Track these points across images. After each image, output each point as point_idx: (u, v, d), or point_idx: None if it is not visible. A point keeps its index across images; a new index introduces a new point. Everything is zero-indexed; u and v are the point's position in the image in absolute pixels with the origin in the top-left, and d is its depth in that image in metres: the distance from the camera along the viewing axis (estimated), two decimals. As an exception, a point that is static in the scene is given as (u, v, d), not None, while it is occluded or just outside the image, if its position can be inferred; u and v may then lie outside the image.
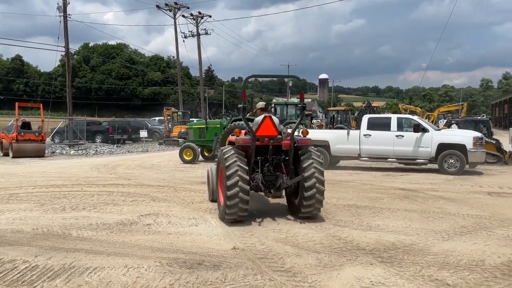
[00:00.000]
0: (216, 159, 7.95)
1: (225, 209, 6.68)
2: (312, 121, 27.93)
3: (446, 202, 8.91)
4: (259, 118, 7.41)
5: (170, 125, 31.56)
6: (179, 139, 25.96)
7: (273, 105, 26.56)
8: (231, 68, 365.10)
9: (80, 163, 17.91)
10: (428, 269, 4.90)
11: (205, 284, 4.47)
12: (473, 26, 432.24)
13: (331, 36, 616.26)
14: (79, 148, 25.59)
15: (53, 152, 23.74)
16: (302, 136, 7.32)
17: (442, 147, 13.69)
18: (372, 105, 39.12)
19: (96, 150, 25.11)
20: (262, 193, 7.63)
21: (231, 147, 7.10)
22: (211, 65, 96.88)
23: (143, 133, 29.58)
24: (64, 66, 43.18)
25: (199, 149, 17.53)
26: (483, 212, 7.96)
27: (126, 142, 32.60)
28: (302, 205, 6.91)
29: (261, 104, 8.20)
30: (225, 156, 6.75)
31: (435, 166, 13.94)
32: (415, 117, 15.57)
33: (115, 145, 28.79)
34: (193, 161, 16.98)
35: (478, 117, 35.72)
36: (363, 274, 4.75)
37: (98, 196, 9.61)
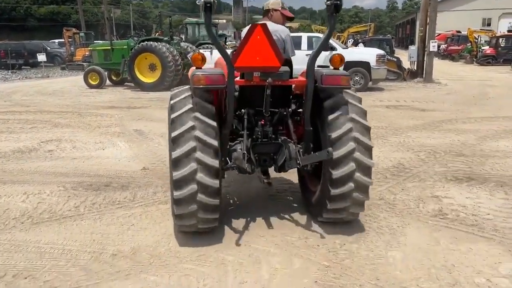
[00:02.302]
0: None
1: (173, 214, 3.52)
2: (226, 42, 27.27)
3: (350, 116, 9.48)
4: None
5: (72, 48, 28.99)
6: (84, 63, 24.10)
7: (184, 24, 25.29)
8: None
9: (-32, 91, 16.02)
10: (329, 175, 5.28)
11: (113, 204, 4.41)
12: None
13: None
14: (-34, 75, 22.76)
15: None
16: (331, 67, 3.78)
17: (349, 65, 14.26)
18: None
19: (-13, 77, 22.55)
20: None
21: (186, 91, 3.57)
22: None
23: (42, 57, 26.81)
24: None
25: (106, 72, 16.48)
26: (381, 123, 8.63)
27: (23, 67, 29.59)
28: (325, 208, 3.66)
29: (274, 2, 4.30)
30: (173, 115, 3.40)
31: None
32: (325, 36, 15.87)
33: (9, 71, 26.02)
34: (100, 85, 16.00)
35: (382, 36, 37.44)
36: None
37: (-10, 124, 8.77)
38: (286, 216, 4.12)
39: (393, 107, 10.85)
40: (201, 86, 3.42)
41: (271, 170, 4.03)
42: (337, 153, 3.49)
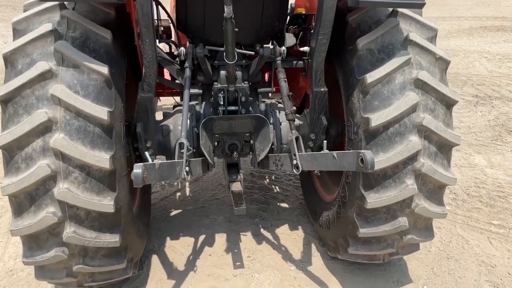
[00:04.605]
0: None
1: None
2: None
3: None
4: None
5: None
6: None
7: None
8: None
9: None
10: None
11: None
12: None
13: None
14: None
15: None
16: None
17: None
18: None
19: None
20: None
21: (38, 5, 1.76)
22: None
23: None
24: None
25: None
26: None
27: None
28: (355, 235, 2.02)
29: None
30: (8, 48, 1.75)
31: None
32: None
33: None
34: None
35: None
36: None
37: None
38: (259, 242, 2.26)
39: (352, 6, 10.55)
40: None
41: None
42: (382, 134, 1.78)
